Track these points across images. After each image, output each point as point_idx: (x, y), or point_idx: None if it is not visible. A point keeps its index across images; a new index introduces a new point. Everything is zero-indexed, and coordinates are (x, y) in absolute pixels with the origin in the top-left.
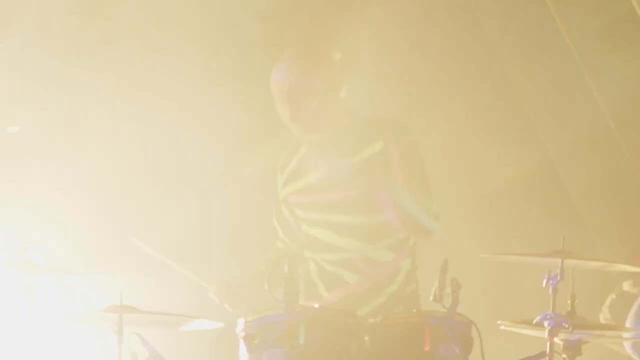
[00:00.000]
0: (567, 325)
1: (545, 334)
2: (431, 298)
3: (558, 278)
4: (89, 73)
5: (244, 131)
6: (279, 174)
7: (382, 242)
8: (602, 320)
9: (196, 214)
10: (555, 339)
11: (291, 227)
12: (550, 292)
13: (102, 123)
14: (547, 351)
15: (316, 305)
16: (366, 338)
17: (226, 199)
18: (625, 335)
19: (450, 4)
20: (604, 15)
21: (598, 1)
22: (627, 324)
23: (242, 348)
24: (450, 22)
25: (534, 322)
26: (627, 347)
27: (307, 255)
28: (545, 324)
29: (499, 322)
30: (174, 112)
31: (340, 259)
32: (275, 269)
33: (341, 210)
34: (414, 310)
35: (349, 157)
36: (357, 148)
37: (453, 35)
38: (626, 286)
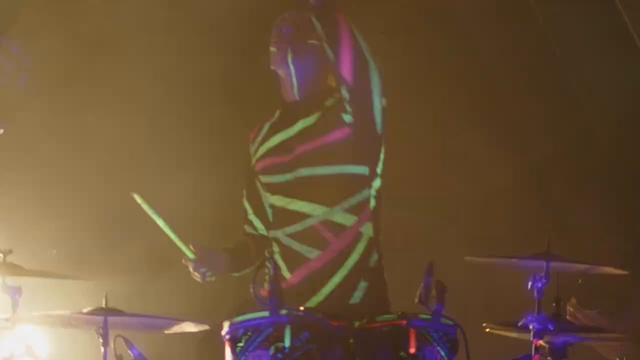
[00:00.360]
0: (552, 328)
1: (530, 336)
2: (416, 300)
3: (543, 280)
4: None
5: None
6: (251, 145)
7: (341, 204)
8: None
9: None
10: (541, 342)
11: (260, 203)
12: (535, 294)
13: (87, 124)
14: (532, 353)
15: (301, 308)
16: (351, 341)
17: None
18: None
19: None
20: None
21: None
22: None
23: (228, 351)
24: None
25: (519, 324)
26: None
27: (272, 235)
28: (530, 326)
29: (484, 324)
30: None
31: (302, 230)
32: (259, 271)
33: (302, 165)
34: (399, 313)
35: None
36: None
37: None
38: (570, 304)
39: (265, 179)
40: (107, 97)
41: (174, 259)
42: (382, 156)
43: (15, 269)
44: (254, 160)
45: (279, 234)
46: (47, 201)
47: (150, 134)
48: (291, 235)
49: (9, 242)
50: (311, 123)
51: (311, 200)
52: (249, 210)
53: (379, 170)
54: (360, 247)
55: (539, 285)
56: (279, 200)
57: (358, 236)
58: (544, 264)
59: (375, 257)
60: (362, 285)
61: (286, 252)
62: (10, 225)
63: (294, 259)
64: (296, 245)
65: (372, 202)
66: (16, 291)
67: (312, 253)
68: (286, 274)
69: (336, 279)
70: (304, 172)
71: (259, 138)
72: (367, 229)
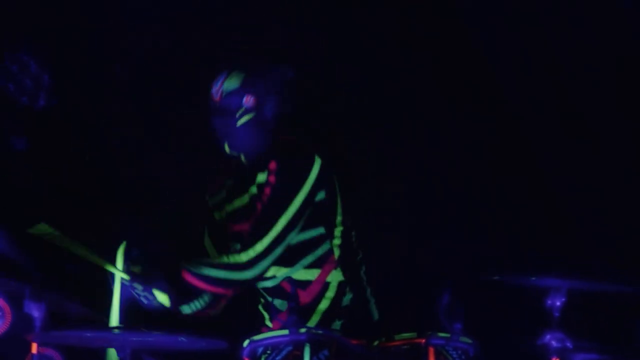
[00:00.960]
0: (570, 346)
1: (549, 354)
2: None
3: (562, 299)
4: None
5: None
6: (208, 196)
7: (301, 262)
8: None
9: None
10: None
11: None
12: (554, 312)
13: None
14: None
15: (320, 330)
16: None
17: None
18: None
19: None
20: None
21: None
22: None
23: None
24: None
25: (538, 342)
26: None
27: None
28: (549, 344)
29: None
30: None
31: (271, 286)
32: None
33: (247, 238)
34: (418, 331)
35: (248, 187)
36: (252, 177)
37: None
38: None
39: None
40: None
41: None
42: (339, 209)
43: None
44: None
45: (258, 286)
46: None
47: None
48: (264, 290)
49: None
50: (246, 202)
51: (260, 258)
52: (212, 252)
53: (338, 221)
54: (329, 294)
55: (557, 303)
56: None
57: (325, 285)
58: (564, 282)
59: (349, 296)
60: (337, 323)
61: (266, 303)
62: None
63: (270, 310)
64: (269, 299)
65: (337, 252)
66: None
67: (284, 306)
68: (268, 323)
69: (310, 324)
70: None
71: (218, 196)
72: (336, 276)
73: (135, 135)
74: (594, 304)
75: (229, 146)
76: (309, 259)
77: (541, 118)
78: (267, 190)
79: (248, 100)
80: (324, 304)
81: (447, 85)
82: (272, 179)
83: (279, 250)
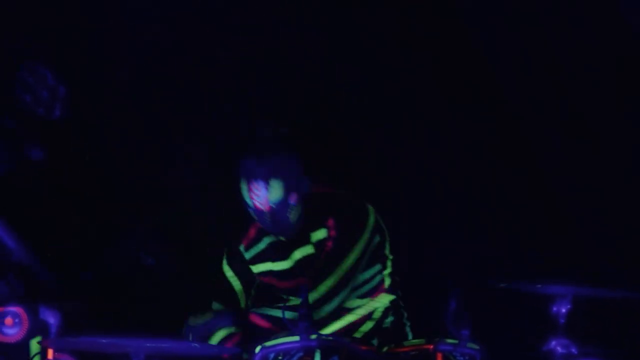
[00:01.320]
0: (575, 352)
1: None
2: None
3: (567, 306)
4: None
5: None
6: (243, 248)
7: (355, 293)
8: None
9: None
10: None
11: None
12: (559, 319)
13: None
14: None
15: (330, 337)
16: None
17: None
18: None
19: None
20: None
21: None
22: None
23: None
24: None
25: (543, 349)
26: None
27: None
28: (554, 350)
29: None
30: None
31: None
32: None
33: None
34: (426, 339)
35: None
36: (305, 237)
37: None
38: None
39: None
40: None
41: None
42: (388, 241)
43: None
44: (253, 269)
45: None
46: None
47: None
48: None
49: None
50: (309, 253)
51: (326, 299)
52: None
53: (387, 251)
54: (375, 316)
55: (563, 310)
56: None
57: (373, 310)
58: (569, 289)
59: (390, 319)
60: (374, 342)
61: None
62: None
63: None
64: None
65: (388, 281)
66: None
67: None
68: None
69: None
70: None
71: (255, 249)
72: (383, 302)
73: (135, 135)
74: (599, 309)
75: (283, 235)
76: (364, 289)
77: (541, 118)
78: (329, 244)
79: (293, 199)
80: (367, 326)
81: (447, 85)
82: (333, 233)
83: (344, 294)
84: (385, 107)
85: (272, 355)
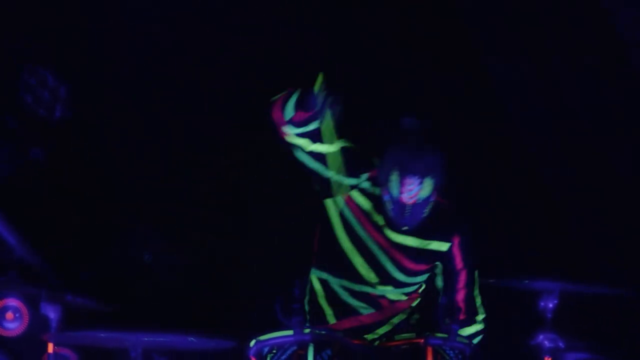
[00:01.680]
0: (562, 346)
1: (542, 354)
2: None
3: (554, 301)
4: None
5: None
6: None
7: (403, 289)
8: None
9: None
10: None
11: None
12: (547, 314)
13: None
14: None
15: (324, 331)
16: (372, 358)
17: None
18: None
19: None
20: None
21: None
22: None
23: None
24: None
25: (532, 343)
26: None
27: (318, 276)
28: (542, 344)
29: None
30: None
31: (360, 292)
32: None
33: (394, 261)
34: (416, 333)
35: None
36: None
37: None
38: None
39: (358, 229)
40: None
41: None
42: None
43: None
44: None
45: (331, 279)
46: None
47: None
48: (346, 289)
49: None
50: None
51: (385, 284)
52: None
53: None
54: (407, 311)
55: (550, 305)
56: (357, 261)
57: (408, 307)
58: (556, 284)
59: (416, 316)
60: (397, 337)
61: (335, 300)
62: None
63: (344, 309)
64: (350, 300)
65: (423, 285)
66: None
67: (367, 310)
68: (331, 319)
69: (380, 331)
70: (390, 268)
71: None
72: (416, 302)
73: (136, 135)
74: (585, 305)
75: (408, 227)
76: (413, 288)
77: (540, 118)
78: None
79: (434, 196)
80: (398, 317)
81: (447, 85)
82: (456, 251)
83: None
84: (385, 107)
85: (266, 349)
